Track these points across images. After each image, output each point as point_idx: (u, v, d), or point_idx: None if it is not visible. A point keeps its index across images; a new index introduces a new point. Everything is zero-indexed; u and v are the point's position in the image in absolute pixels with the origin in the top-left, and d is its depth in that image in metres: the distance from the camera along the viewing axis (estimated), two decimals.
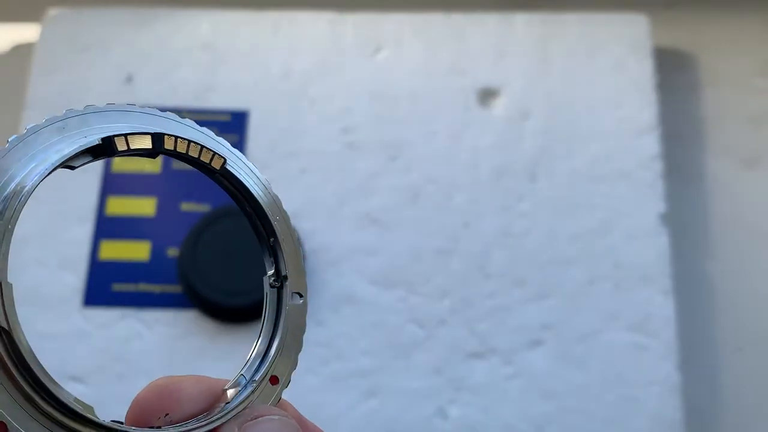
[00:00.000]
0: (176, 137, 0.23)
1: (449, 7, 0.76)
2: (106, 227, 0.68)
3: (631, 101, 0.71)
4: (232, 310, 0.64)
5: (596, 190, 0.69)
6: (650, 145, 0.69)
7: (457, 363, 0.64)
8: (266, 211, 0.25)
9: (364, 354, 0.64)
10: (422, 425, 0.62)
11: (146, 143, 0.23)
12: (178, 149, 0.24)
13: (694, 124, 0.75)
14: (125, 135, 0.23)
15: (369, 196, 0.69)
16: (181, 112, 0.72)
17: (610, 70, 0.72)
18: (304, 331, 0.24)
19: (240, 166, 0.25)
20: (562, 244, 0.67)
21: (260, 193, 0.25)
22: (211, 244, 0.65)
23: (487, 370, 0.63)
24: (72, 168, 0.23)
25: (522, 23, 0.74)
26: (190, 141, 0.24)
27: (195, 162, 0.24)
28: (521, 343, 0.64)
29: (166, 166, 0.70)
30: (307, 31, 0.75)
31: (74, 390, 0.62)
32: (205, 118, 0.71)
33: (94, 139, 0.22)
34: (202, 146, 0.24)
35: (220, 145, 0.26)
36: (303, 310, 0.24)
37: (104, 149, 0.22)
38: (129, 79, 0.73)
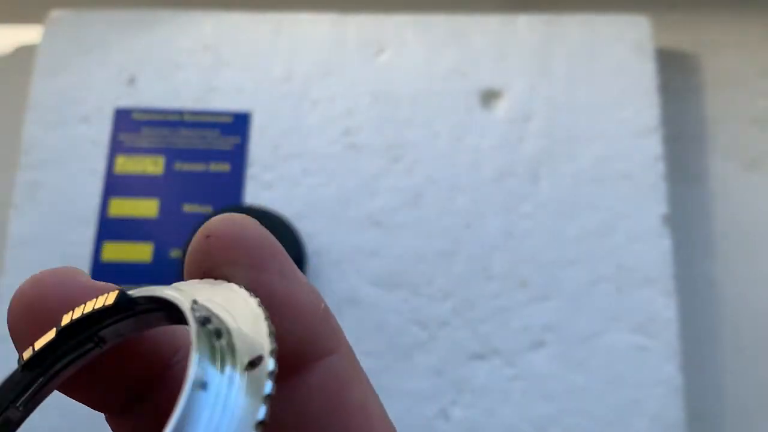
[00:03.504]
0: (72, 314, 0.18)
1: (451, 9, 0.76)
2: (109, 229, 0.68)
3: (633, 103, 0.71)
4: None
5: (598, 192, 0.69)
6: (652, 146, 0.69)
7: (459, 364, 0.63)
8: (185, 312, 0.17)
9: (366, 355, 0.64)
10: (424, 426, 0.62)
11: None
12: (75, 317, 0.18)
13: (696, 126, 0.75)
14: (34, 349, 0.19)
15: (371, 197, 0.69)
16: (183, 114, 0.73)
17: (612, 71, 0.72)
18: None
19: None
20: (564, 246, 0.67)
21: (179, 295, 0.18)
22: None
23: (489, 371, 0.63)
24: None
25: (524, 25, 0.74)
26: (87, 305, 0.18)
27: (97, 316, 0.18)
28: (523, 344, 0.64)
29: (168, 167, 0.70)
30: (309, 33, 0.75)
31: None
32: (207, 120, 0.72)
33: None
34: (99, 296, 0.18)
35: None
36: None
37: None
38: (131, 81, 0.73)
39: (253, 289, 0.18)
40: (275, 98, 0.72)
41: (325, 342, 0.19)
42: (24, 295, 0.19)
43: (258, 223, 0.20)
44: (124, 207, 0.69)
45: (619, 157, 0.69)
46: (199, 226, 0.21)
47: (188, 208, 0.69)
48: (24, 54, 0.80)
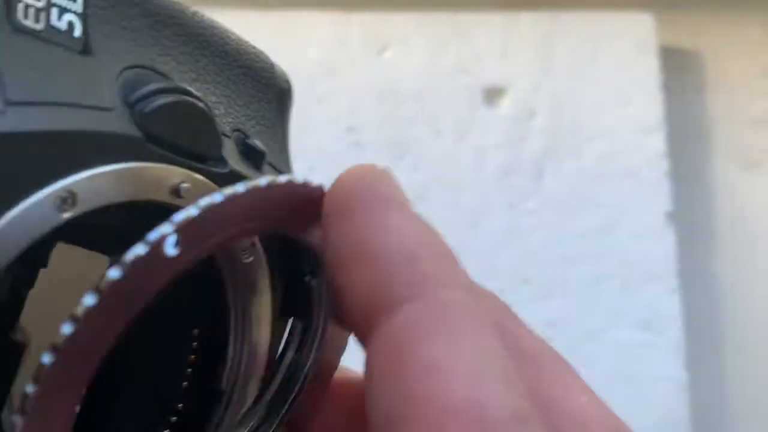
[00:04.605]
0: None
1: (455, 7, 0.76)
2: None
3: (636, 100, 0.71)
4: None
5: (602, 189, 0.69)
6: (656, 143, 0.69)
7: None
8: None
9: None
10: None
11: None
12: None
13: (699, 124, 0.75)
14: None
15: None
16: None
17: (615, 68, 0.72)
18: None
19: None
20: (568, 243, 0.67)
21: None
22: None
23: None
24: None
25: (528, 22, 0.74)
26: None
27: None
28: None
29: None
30: (312, 31, 0.75)
31: None
32: None
33: None
34: None
35: None
36: None
37: None
38: None
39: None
40: None
41: (399, 292, 0.15)
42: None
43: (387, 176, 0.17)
44: None
45: (622, 154, 0.69)
46: None
47: None
48: None
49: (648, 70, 0.72)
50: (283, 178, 0.17)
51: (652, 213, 0.68)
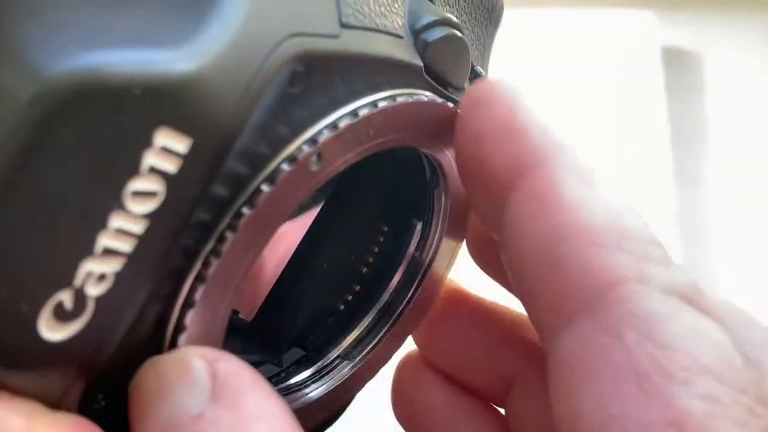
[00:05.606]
0: None
1: None
2: None
3: (638, 98, 0.71)
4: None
5: None
6: (657, 143, 0.69)
7: None
8: None
9: None
10: None
11: None
12: None
13: (699, 124, 0.75)
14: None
15: None
16: None
17: (617, 67, 0.72)
18: None
19: None
20: None
21: None
22: None
23: None
24: None
25: (528, 20, 0.74)
26: None
27: None
28: None
29: None
30: None
31: None
32: None
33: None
34: None
35: None
36: None
37: None
38: None
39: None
40: None
41: (539, 154, 0.18)
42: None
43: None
44: None
45: (624, 154, 0.69)
46: None
47: None
48: None
49: (651, 68, 0.72)
50: (411, 97, 0.19)
51: (654, 214, 0.67)
